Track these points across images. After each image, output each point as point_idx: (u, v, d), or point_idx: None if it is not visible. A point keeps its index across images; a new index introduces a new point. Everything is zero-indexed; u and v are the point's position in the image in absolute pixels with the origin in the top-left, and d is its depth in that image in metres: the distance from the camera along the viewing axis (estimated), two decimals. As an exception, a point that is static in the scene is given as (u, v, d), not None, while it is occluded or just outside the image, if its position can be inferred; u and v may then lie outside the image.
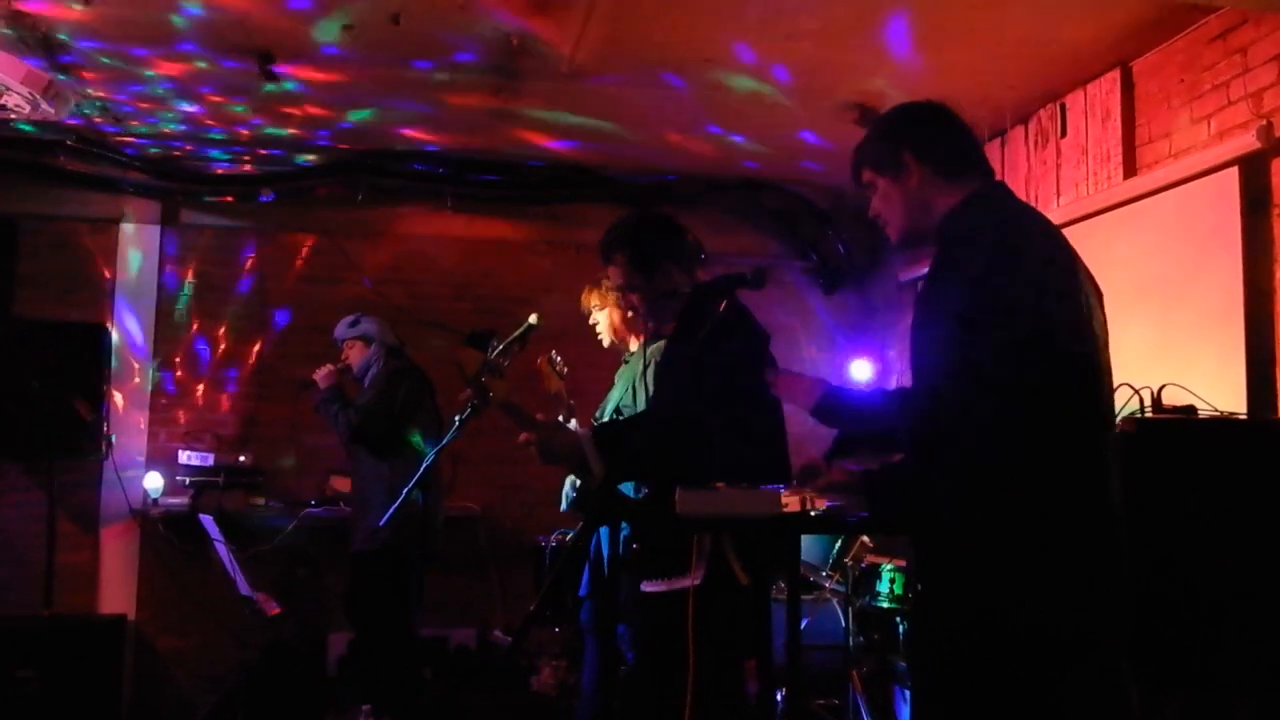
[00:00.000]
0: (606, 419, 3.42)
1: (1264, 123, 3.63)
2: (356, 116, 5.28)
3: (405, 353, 4.98)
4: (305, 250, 6.04)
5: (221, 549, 4.45)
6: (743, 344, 2.76)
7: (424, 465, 3.90)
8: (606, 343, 3.71)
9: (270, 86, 4.74)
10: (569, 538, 4.53)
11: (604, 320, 3.65)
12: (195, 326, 5.90)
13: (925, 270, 2.26)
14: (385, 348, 4.91)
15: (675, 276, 2.91)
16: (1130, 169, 4.31)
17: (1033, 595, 1.93)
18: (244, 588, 4.42)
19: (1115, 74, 4.39)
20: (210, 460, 5.63)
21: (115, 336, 5.65)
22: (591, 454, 2.78)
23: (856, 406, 2.22)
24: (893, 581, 3.90)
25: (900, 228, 2.25)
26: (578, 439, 2.89)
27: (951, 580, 2.03)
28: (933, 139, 2.22)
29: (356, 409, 4.71)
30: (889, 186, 2.24)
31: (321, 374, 4.87)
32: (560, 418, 3.60)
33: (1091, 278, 2.13)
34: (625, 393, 3.43)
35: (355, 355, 4.91)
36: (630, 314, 3.17)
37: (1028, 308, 1.95)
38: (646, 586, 2.79)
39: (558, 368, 3.71)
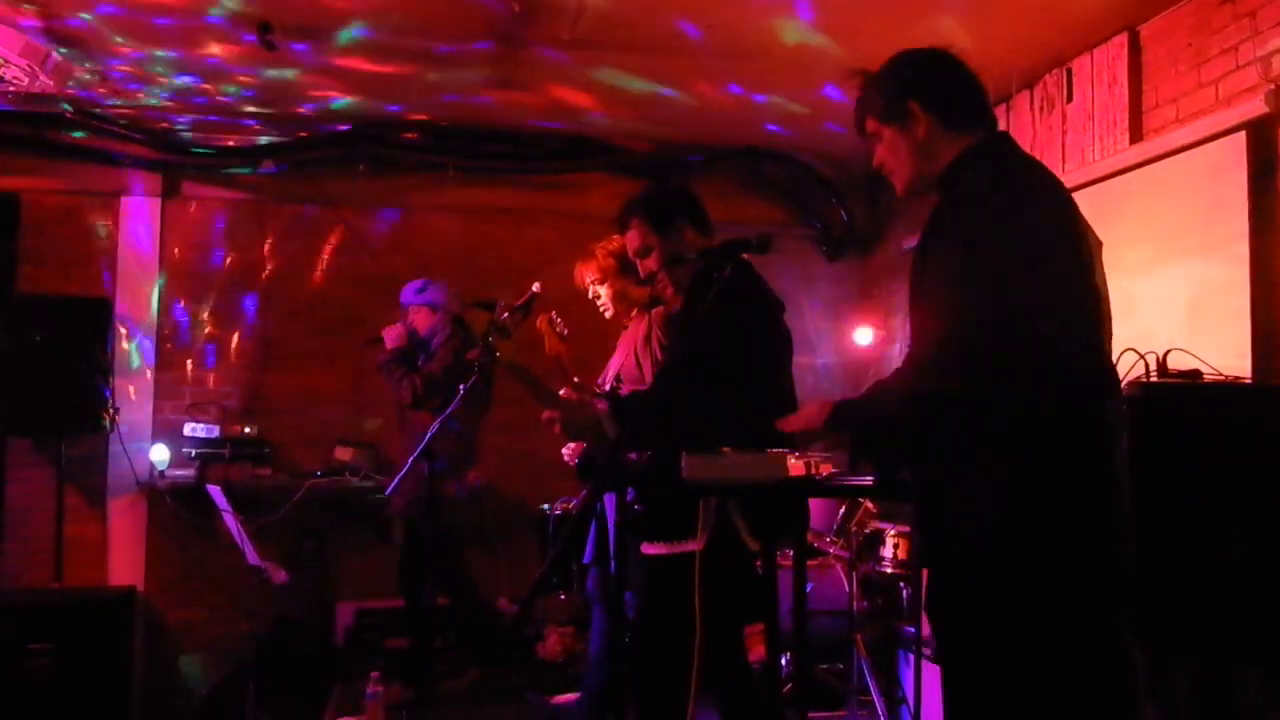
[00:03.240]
0: (608, 385, 3.43)
1: (1273, 87, 3.60)
2: (358, 86, 5.25)
3: (466, 325, 5.06)
4: (308, 222, 6.03)
5: (229, 519, 4.46)
6: (749, 307, 2.77)
7: (429, 434, 3.91)
8: (609, 315, 3.71)
9: (270, 56, 4.70)
10: (573, 505, 4.54)
11: (605, 293, 3.65)
12: (199, 299, 5.90)
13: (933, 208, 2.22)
14: (450, 317, 5.02)
15: (689, 237, 2.94)
16: (1137, 134, 4.29)
17: (1035, 562, 1.94)
18: (252, 557, 4.44)
19: (1123, 38, 4.35)
20: (216, 432, 5.66)
21: (120, 310, 5.65)
22: (609, 425, 2.83)
23: (867, 407, 2.18)
24: (896, 547, 3.92)
25: (907, 178, 2.21)
26: (596, 412, 2.93)
27: (954, 548, 2.04)
28: (939, 87, 2.18)
29: (422, 377, 4.83)
30: (894, 136, 2.20)
31: (391, 334, 5.00)
32: (567, 387, 3.60)
33: (1091, 229, 2.11)
34: (627, 358, 3.44)
35: (422, 321, 5.05)
36: (648, 277, 3.17)
37: (1028, 264, 1.93)
38: (648, 549, 2.80)
39: (558, 329, 3.71)
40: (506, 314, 3.59)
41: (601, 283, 3.62)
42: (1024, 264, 1.92)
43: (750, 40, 4.56)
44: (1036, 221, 1.98)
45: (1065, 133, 4.71)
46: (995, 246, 1.93)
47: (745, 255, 2.53)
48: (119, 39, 4.59)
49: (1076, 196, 4.57)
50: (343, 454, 5.69)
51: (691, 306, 2.80)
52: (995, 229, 1.95)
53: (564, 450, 3.68)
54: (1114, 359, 2.13)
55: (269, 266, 5.98)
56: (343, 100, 5.46)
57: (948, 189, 2.14)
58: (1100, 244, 2.12)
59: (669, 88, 5.19)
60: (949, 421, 1.98)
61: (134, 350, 5.77)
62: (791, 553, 2.78)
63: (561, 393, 3.50)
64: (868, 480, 2.39)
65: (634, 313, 3.64)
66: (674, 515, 2.74)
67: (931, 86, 2.18)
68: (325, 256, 6.02)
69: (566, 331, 3.70)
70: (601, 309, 3.71)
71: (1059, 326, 1.94)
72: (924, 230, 2.13)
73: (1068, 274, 1.99)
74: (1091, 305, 2.03)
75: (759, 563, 2.89)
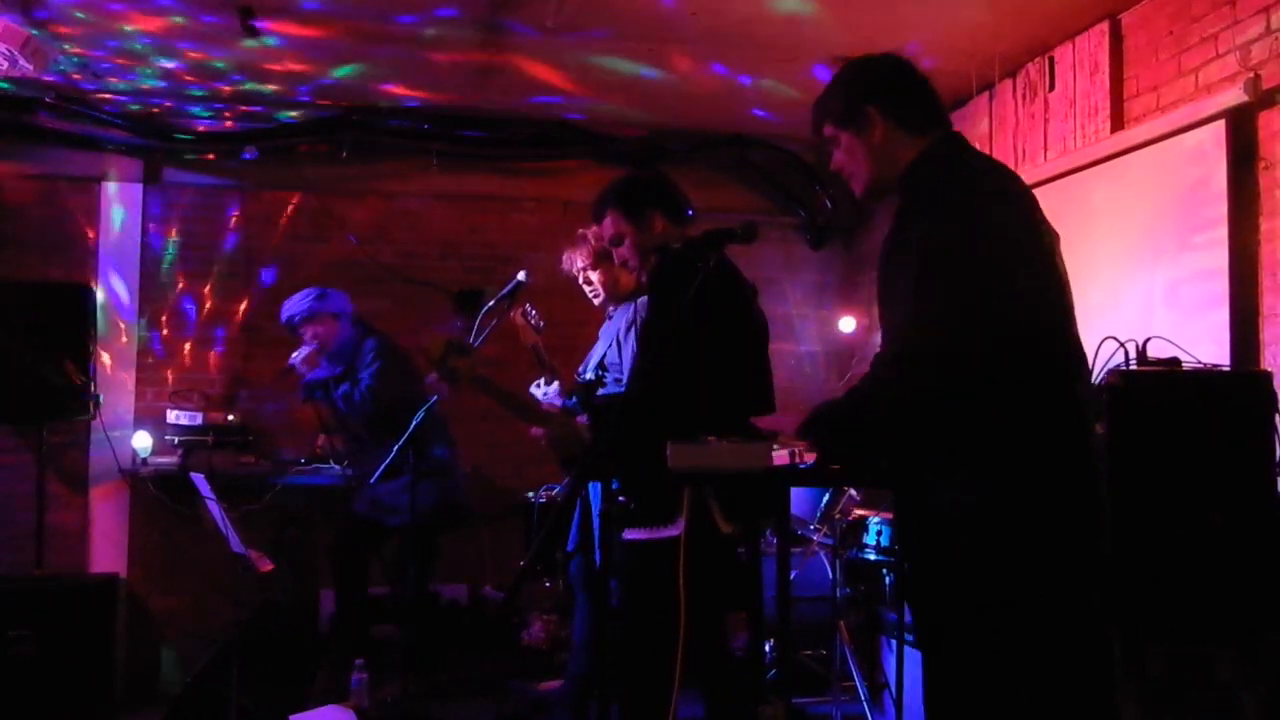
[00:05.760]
0: (590, 374, 3.44)
1: (1252, 75, 3.62)
2: (340, 72, 5.22)
3: (366, 319, 4.92)
4: (290, 208, 5.99)
5: (213, 506, 4.44)
6: (725, 300, 2.78)
7: (414, 422, 3.92)
8: (598, 301, 3.72)
9: (251, 41, 4.67)
10: (556, 493, 4.55)
11: (596, 279, 3.66)
12: (180, 285, 5.87)
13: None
14: (354, 319, 4.83)
15: (661, 226, 2.95)
16: (1118, 122, 4.31)
17: (1013, 549, 1.96)
18: (236, 545, 4.42)
19: (1104, 26, 4.37)
20: (199, 419, 5.63)
21: (100, 296, 5.60)
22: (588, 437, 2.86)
23: (838, 417, 2.21)
24: (879, 534, 3.94)
25: (864, 180, 2.26)
26: (578, 428, 2.96)
27: (934, 537, 2.06)
28: (894, 92, 2.23)
29: (369, 384, 4.61)
30: (852, 140, 2.25)
31: (304, 358, 4.75)
32: (540, 381, 3.61)
33: (1047, 222, 2.15)
34: (609, 347, 3.44)
35: (328, 331, 4.78)
36: (620, 266, 3.19)
37: (990, 259, 1.97)
38: (629, 534, 2.82)
39: (533, 321, 3.72)
40: (491, 303, 3.59)
41: (594, 268, 3.62)
42: (986, 259, 1.97)
43: (729, 22, 4.55)
44: (995, 217, 2.04)
45: (1047, 121, 4.73)
46: (957, 243, 1.98)
47: (730, 244, 2.54)
48: (100, 24, 4.55)
49: (1058, 184, 4.62)
50: (326, 441, 5.67)
51: (664, 297, 2.80)
52: (956, 227, 2.00)
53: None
54: (1085, 346, 2.16)
55: (251, 253, 5.94)
56: (325, 86, 5.43)
57: (908, 191, 2.19)
58: (1057, 236, 2.16)
59: (654, 70, 5.18)
60: (924, 416, 2.01)
61: (114, 336, 5.73)
62: (775, 540, 2.80)
63: (533, 388, 3.52)
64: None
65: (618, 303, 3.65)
66: (653, 501, 2.75)
67: (887, 92, 2.23)
68: (307, 243, 5.99)
69: (542, 323, 3.71)
70: (591, 295, 3.71)
71: (1024, 316, 1.99)
72: (888, 233, 2.17)
73: (1029, 266, 2.04)
74: (1054, 294, 2.07)
75: (740, 550, 2.91)
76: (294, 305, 4.82)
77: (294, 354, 4.85)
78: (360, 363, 4.77)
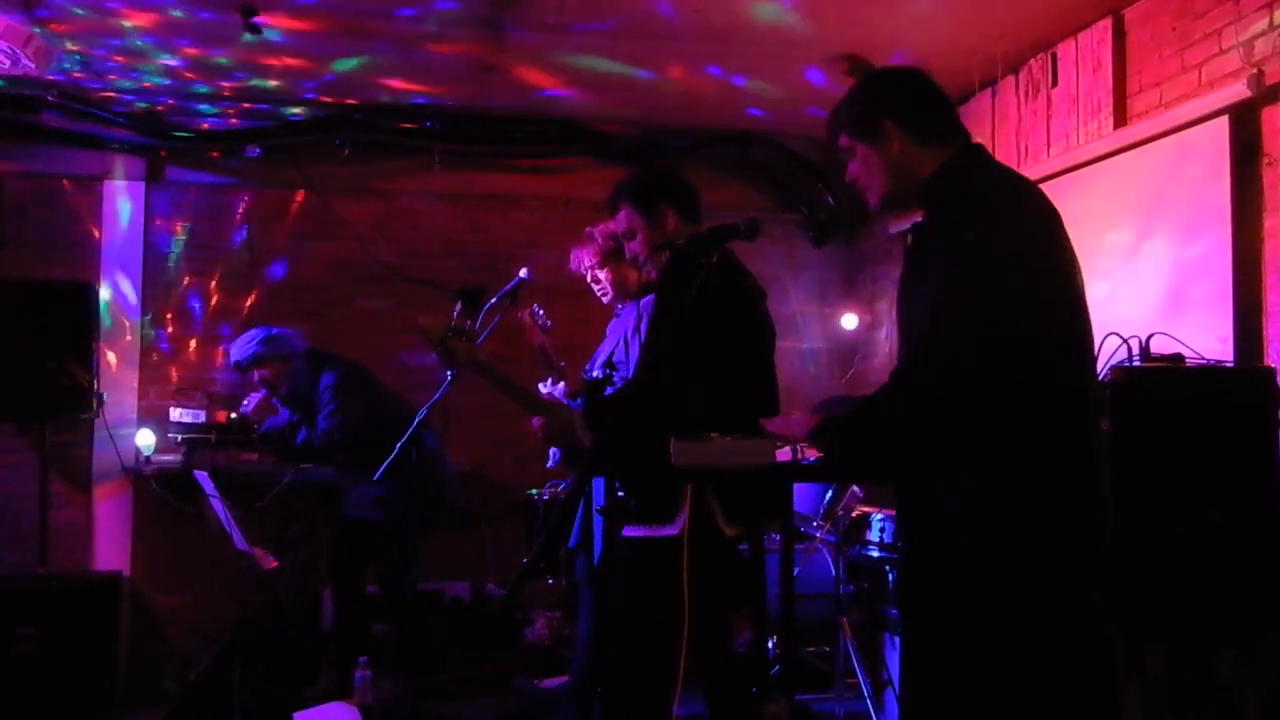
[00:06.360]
0: (597, 372, 3.44)
1: (1255, 71, 3.61)
2: (342, 69, 5.22)
3: (322, 351, 4.87)
4: (293, 207, 6.00)
5: (217, 504, 4.45)
6: (732, 297, 2.78)
7: (416, 420, 3.91)
8: (606, 300, 3.72)
9: (251, 37, 4.67)
10: (560, 490, 4.56)
11: (604, 277, 3.66)
12: (184, 284, 5.88)
13: (914, 222, 2.26)
14: (305, 355, 4.77)
15: (674, 222, 2.95)
16: (1121, 119, 4.30)
17: (1012, 549, 1.96)
18: (240, 543, 4.43)
19: (1107, 22, 4.36)
20: (202, 417, 5.63)
21: (103, 294, 5.62)
22: (583, 432, 2.86)
23: (851, 422, 2.22)
24: (882, 530, 3.95)
25: (881, 193, 2.25)
26: (576, 421, 2.96)
27: (935, 534, 2.07)
28: (912, 105, 2.22)
29: (325, 428, 4.58)
30: (868, 152, 2.23)
31: (255, 406, 4.74)
32: (549, 380, 3.61)
33: (1069, 242, 2.15)
34: (617, 346, 3.44)
35: (277, 375, 4.72)
36: (629, 262, 3.19)
37: (1013, 267, 1.97)
38: (628, 531, 2.82)
39: (540, 321, 3.72)
40: (494, 300, 3.59)
41: (601, 266, 3.62)
42: (1007, 273, 1.97)
43: (728, 20, 4.55)
44: (1013, 224, 2.03)
45: (1050, 117, 4.72)
46: (979, 258, 1.98)
47: (734, 240, 2.54)
48: (102, 22, 4.55)
49: (1061, 181, 4.61)
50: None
51: (670, 294, 2.80)
52: (974, 233, 1.99)
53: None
54: (1095, 348, 2.16)
55: (253, 251, 5.94)
56: (327, 84, 5.43)
57: (929, 204, 2.18)
58: (1076, 259, 2.16)
59: (652, 71, 5.18)
60: (933, 418, 2.01)
61: (118, 335, 5.73)
62: (778, 537, 2.80)
63: (541, 386, 3.52)
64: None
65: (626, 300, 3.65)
66: (653, 499, 2.76)
67: (904, 104, 2.22)
68: (310, 241, 5.99)
69: (549, 323, 3.71)
70: (599, 293, 3.71)
71: (1032, 320, 1.98)
72: (910, 244, 2.17)
73: (1049, 281, 2.04)
74: (1071, 310, 2.07)
75: (742, 548, 2.91)
76: (239, 350, 4.75)
77: (245, 401, 4.84)
78: (317, 403, 4.68)
